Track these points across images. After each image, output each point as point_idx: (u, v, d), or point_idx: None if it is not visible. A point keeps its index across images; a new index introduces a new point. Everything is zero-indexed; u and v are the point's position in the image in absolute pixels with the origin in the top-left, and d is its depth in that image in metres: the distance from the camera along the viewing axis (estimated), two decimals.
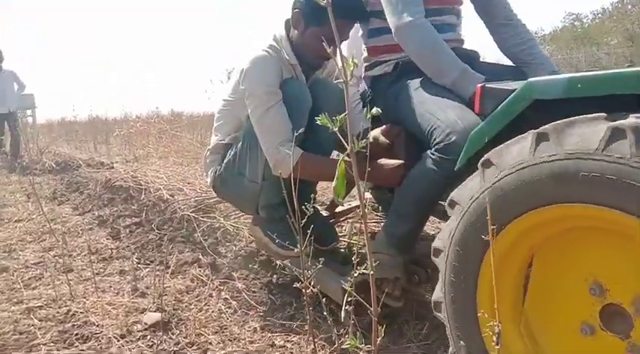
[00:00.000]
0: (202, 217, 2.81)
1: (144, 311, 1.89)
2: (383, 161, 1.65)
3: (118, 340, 1.66)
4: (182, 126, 7.66)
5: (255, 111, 1.73)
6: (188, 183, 3.78)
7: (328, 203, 2.33)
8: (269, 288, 2.04)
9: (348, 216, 2.35)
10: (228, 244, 2.49)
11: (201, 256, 2.36)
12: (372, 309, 0.87)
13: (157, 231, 2.85)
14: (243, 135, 1.84)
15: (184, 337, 1.68)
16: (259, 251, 2.27)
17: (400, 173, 1.60)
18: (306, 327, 1.67)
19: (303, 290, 1.25)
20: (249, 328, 1.77)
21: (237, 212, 2.87)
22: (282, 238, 1.80)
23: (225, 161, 1.89)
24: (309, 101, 1.76)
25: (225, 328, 1.76)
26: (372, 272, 0.85)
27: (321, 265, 1.41)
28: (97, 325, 1.77)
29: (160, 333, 1.70)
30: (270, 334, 1.70)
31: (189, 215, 2.84)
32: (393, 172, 1.62)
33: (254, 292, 2.04)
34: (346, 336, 1.49)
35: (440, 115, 1.44)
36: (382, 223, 2.21)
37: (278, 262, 1.95)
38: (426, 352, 1.56)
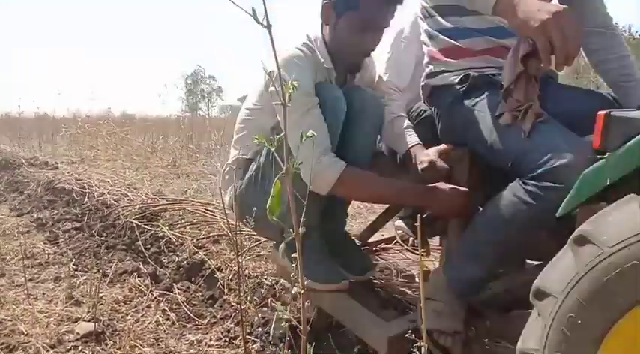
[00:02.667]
0: (146, 224, 2.76)
1: (77, 320, 1.84)
2: (442, 187, 1.43)
3: (47, 351, 1.61)
4: (133, 129, 7.50)
5: (289, 116, 1.48)
6: (135, 189, 3.71)
7: (360, 232, 2.12)
8: (210, 301, 2.03)
9: (383, 247, 2.26)
10: (170, 254, 2.45)
11: (141, 266, 2.32)
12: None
13: (97, 237, 2.77)
14: (267, 150, 1.57)
15: (118, 349, 1.64)
16: (203, 263, 2.25)
17: (463, 203, 1.41)
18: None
19: (240, 305, 1.25)
20: (186, 341, 1.75)
21: (182, 221, 2.84)
22: (312, 268, 1.50)
23: (246, 177, 1.64)
24: (345, 109, 1.52)
25: (161, 341, 1.73)
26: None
27: (357, 304, 1.37)
28: (26, 334, 1.71)
29: (93, 343, 1.65)
30: (206, 348, 1.69)
31: (132, 222, 2.78)
32: (455, 200, 1.42)
33: (194, 304, 2.02)
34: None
35: (535, 137, 1.19)
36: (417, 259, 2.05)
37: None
38: None
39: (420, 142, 1.60)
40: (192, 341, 1.74)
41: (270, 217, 0.91)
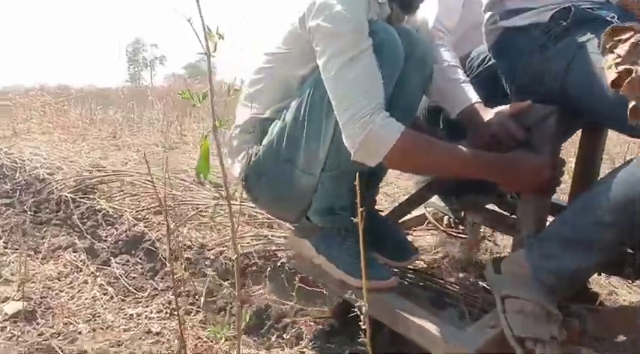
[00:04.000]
0: (81, 198, 2.62)
1: (6, 300, 1.73)
2: (522, 156, 1.17)
3: None
4: (70, 100, 7.11)
5: (332, 60, 1.13)
6: (70, 161, 3.52)
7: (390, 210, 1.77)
8: (151, 273, 1.95)
9: (414, 228, 1.96)
10: (109, 227, 2.34)
11: (77, 241, 2.20)
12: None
13: (29, 213, 2.61)
14: (299, 103, 1.26)
15: (50, 327, 1.55)
16: (143, 235, 2.16)
17: (549, 176, 1.15)
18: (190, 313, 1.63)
19: (172, 274, 1.19)
20: (125, 315, 1.67)
21: (122, 193, 2.72)
22: (350, 261, 1.29)
23: (264, 143, 1.32)
24: (402, 55, 1.20)
25: (98, 316, 1.65)
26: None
27: (412, 305, 1.15)
28: None
29: (22, 323, 1.56)
30: (146, 322, 1.63)
31: (67, 196, 2.64)
32: (539, 173, 1.15)
33: (134, 277, 1.94)
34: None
35: None
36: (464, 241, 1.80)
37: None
38: None
39: (479, 99, 1.33)
40: (132, 315, 1.67)
41: (199, 178, 0.84)
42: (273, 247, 1.91)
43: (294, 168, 1.28)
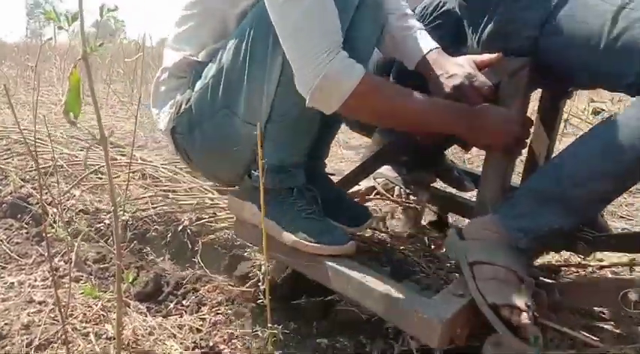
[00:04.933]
0: None
1: None
2: (492, 109, 1.07)
3: None
4: None
5: None
6: None
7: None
8: (37, 239, 1.77)
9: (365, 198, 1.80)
10: None
11: None
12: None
13: None
14: (238, 41, 1.09)
15: None
16: (30, 197, 1.96)
17: (520, 132, 1.07)
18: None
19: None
20: (5, 283, 1.50)
21: (8, 152, 2.46)
22: (304, 225, 1.14)
23: (197, 89, 1.16)
24: None
25: None
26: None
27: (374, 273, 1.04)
28: None
29: None
30: (29, 290, 1.47)
31: None
32: (509, 128, 1.06)
33: (17, 243, 1.75)
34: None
35: None
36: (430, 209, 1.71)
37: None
38: None
39: (439, 46, 1.20)
40: (13, 283, 1.50)
41: (68, 118, 0.71)
42: (176, 210, 1.79)
43: (234, 117, 1.13)
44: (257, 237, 1.21)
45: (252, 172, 1.19)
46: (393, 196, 1.72)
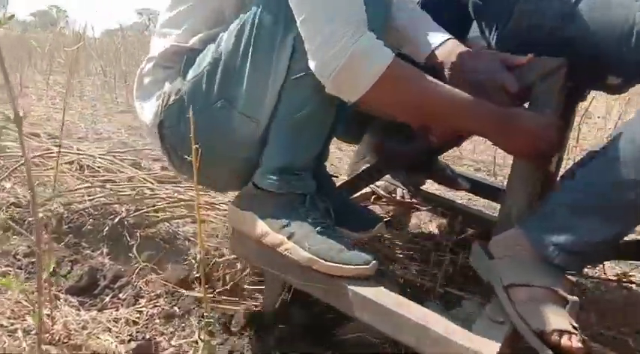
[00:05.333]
0: None
1: None
2: (526, 112, 0.99)
3: None
4: None
5: None
6: None
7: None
8: None
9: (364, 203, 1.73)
10: None
11: None
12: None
13: None
14: (241, 26, 0.98)
15: None
16: None
17: (553, 137, 0.96)
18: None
19: None
20: None
21: None
22: (320, 240, 1.00)
23: (190, 78, 1.03)
24: None
25: None
26: None
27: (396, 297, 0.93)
28: None
29: None
30: None
31: None
32: (546, 134, 0.96)
33: None
34: None
35: None
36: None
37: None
38: None
39: (452, 36, 1.09)
40: None
41: None
42: (113, 201, 1.73)
43: (232, 110, 1.00)
44: (259, 254, 1.09)
45: (253, 177, 1.06)
46: (395, 198, 1.67)
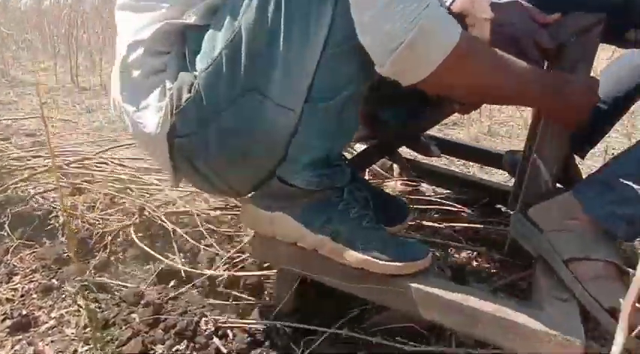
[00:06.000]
0: None
1: None
2: (568, 76, 0.89)
3: None
4: None
5: None
6: None
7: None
8: None
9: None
10: None
11: None
12: None
13: None
14: None
15: None
16: None
17: (595, 100, 0.89)
18: None
19: None
20: None
21: None
22: (371, 237, 0.88)
23: (203, 67, 0.80)
24: None
25: None
26: None
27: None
28: None
29: None
30: None
31: None
32: (586, 96, 0.88)
33: None
34: None
35: None
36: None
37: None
38: None
39: None
40: None
41: None
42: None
43: (265, 101, 0.80)
44: (293, 258, 0.95)
45: (279, 172, 0.88)
46: (393, 175, 1.59)
